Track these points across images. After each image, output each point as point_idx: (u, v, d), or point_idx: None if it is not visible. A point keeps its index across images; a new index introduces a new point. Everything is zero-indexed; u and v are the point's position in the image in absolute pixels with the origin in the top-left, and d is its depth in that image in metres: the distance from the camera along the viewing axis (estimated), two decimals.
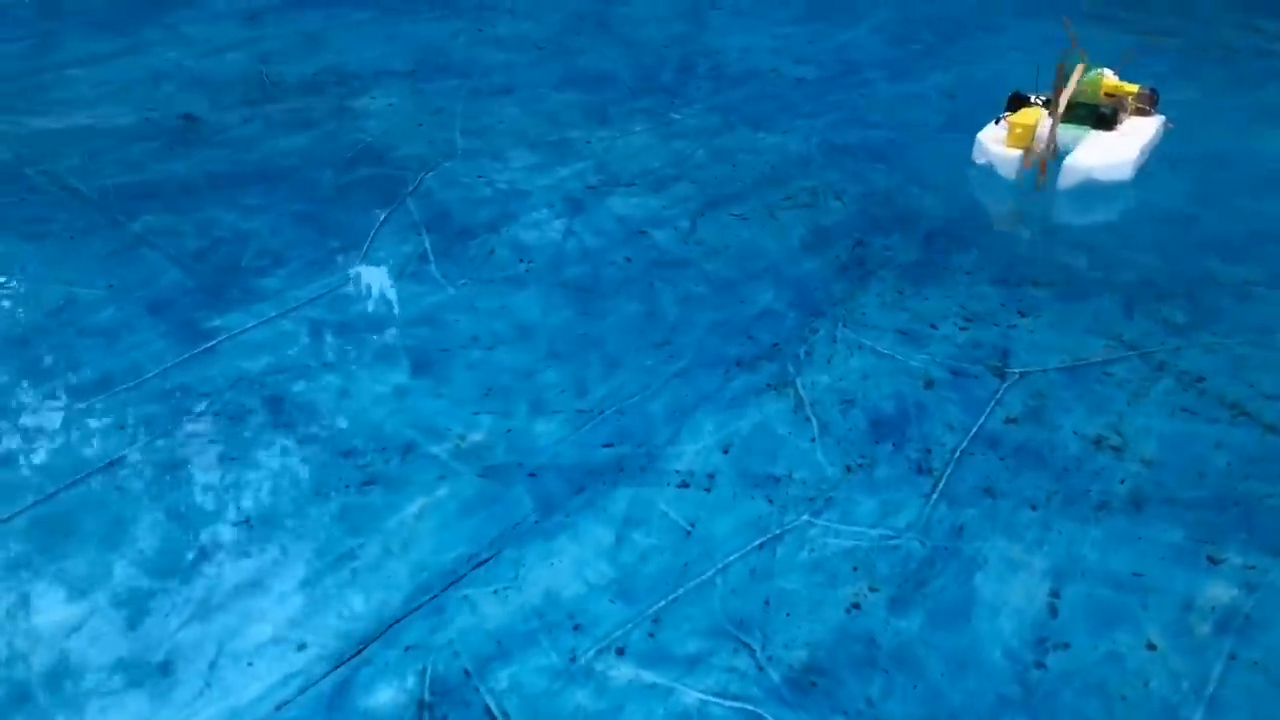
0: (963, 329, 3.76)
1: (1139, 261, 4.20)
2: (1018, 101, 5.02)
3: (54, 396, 3.39)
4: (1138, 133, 4.93)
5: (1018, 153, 4.77)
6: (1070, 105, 4.81)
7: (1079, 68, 4.86)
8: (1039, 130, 4.74)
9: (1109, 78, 5.08)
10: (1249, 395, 3.44)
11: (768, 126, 5.39)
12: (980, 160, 4.88)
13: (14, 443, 3.22)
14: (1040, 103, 4.95)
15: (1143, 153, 4.85)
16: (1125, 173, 4.75)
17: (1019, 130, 4.77)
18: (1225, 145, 5.17)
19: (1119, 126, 4.92)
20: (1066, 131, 4.84)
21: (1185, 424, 3.32)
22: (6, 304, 3.84)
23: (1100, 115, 4.89)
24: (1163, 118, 5.11)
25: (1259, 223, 4.48)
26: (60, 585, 2.73)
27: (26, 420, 3.30)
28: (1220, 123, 5.39)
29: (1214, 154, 5.08)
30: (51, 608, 2.67)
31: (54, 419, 3.29)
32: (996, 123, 4.92)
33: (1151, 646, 2.59)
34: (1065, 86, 4.74)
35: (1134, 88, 5.07)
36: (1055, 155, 4.78)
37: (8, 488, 3.04)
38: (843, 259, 4.20)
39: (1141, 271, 4.14)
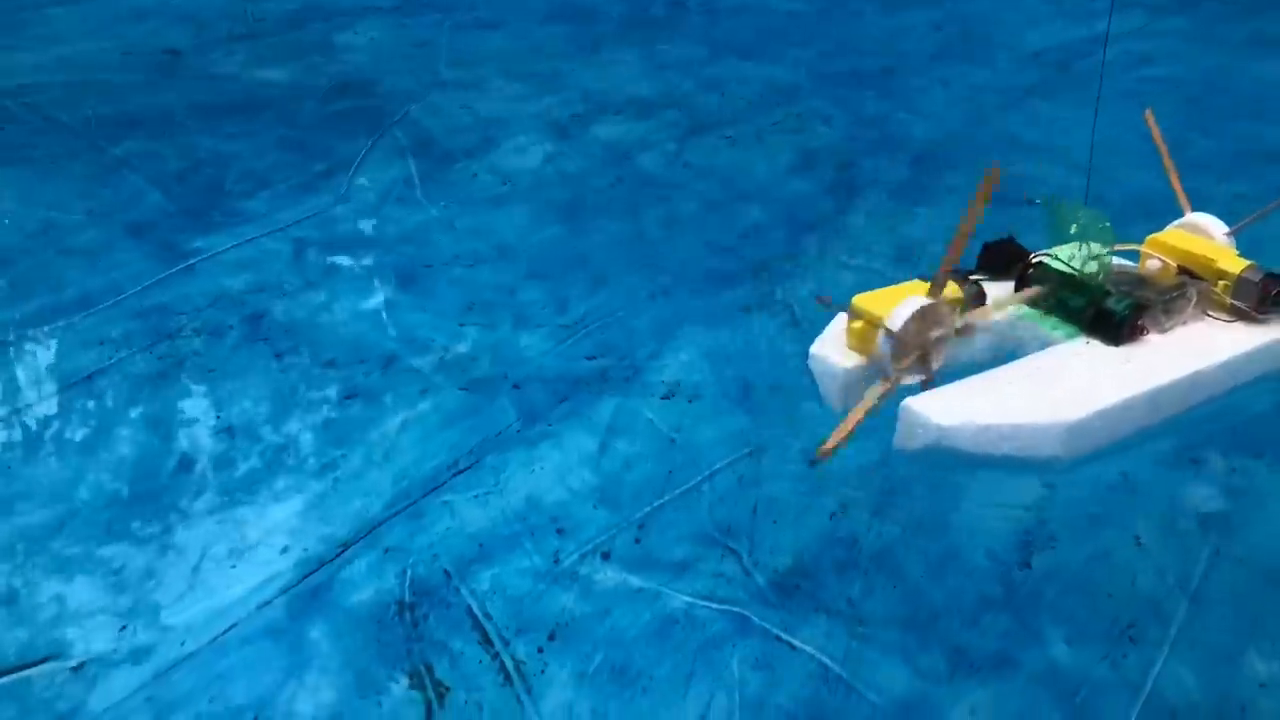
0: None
1: (1130, 179, 4.15)
2: (999, 254, 2.62)
3: (33, 313, 3.35)
4: (1176, 357, 2.37)
5: (859, 364, 2.25)
6: (1064, 281, 2.48)
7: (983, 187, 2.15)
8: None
9: (1201, 229, 2.78)
10: None
11: (757, 56, 5.33)
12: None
13: None
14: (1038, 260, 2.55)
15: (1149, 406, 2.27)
16: (1050, 444, 2.12)
17: (857, 327, 2.26)
18: (1219, 69, 5.12)
19: (1149, 338, 2.39)
20: (1032, 326, 2.45)
21: None
22: None
23: (1101, 312, 2.39)
24: None
25: (1249, 143, 4.45)
26: (40, 491, 2.71)
27: (2, 335, 3.27)
28: (1215, 48, 5.34)
29: (1207, 78, 5.04)
30: (31, 512, 2.65)
31: (30, 335, 3.25)
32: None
33: (1139, 543, 2.58)
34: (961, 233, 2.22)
35: (1238, 264, 2.55)
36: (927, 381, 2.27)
37: None
38: (831, 180, 4.17)
39: (1131, 189, 4.09)
